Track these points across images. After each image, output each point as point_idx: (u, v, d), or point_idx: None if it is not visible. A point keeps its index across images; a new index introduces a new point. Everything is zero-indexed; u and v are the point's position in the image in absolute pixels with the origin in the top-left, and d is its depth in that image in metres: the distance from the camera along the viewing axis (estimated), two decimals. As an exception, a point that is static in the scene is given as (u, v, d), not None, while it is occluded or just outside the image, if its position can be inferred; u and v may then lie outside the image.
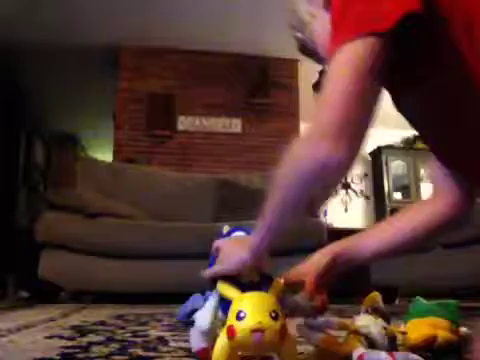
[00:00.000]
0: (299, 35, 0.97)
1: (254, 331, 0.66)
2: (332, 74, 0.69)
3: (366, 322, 0.82)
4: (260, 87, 5.13)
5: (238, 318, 0.68)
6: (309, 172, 0.69)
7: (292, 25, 0.99)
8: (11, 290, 3.93)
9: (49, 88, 5.93)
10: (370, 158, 6.81)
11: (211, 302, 0.80)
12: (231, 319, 0.69)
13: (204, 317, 0.78)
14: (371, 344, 0.78)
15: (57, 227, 2.83)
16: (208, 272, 0.86)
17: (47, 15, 4.42)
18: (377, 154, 6.53)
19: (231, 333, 0.67)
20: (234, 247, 0.87)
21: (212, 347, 0.74)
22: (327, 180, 0.70)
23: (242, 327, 0.67)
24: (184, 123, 5.03)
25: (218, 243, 0.90)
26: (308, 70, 5.10)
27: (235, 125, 5.10)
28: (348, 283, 3.39)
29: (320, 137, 0.66)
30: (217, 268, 0.86)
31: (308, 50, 0.98)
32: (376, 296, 0.91)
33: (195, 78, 5.13)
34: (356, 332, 0.80)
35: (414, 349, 0.85)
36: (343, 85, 0.65)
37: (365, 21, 0.65)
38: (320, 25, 0.91)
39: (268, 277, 0.82)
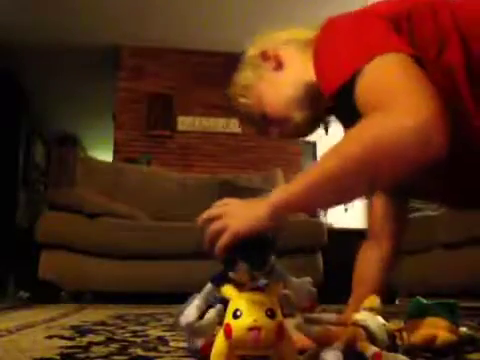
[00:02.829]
0: (243, 100, 1.00)
1: (250, 329, 0.66)
2: (386, 74, 0.68)
3: (364, 317, 0.82)
4: (260, 87, 5.13)
5: (234, 317, 0.68)
6: (414, 145, 0.61)
7: (234, 94, 1.02)
8: (11, 290, 3.94)
9: (49, 88, 5.93)
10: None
11: (196, 300, 0.80)
12: (228, 318, 0.70)
13: (189, 314, 0.79)
14: (371, 338, 0.78)
15: (57, 227, 2.84)
16: (221, 242, 0.72)
17: (47, 15, 4.42)
18: (377, 154, 6.53)
19: (228, 332, 0.68)
20: (246, 204, 0.75)
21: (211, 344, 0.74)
22: (422, 163, 0.63)
23: (238, 325, 0.67)
24: (184, 123, 5.03)
25: (224, 201, 0.78)
26: (308, 70, 5.11)
27: (235, 125, 5.10)
28: (348, 283, 3.40)
29: (425, 112, 0.61)
30: (228, 233, 0.71)
31: (251, 114, 1.00)
32: (375, 298, 0.91)
33: (195, 78, 5.13)
34: (354, 324, 0.81)
35: (413, 349, 0.85)
36: (405, 71, 0.67)
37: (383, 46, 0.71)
38: (270, 85, 0.96)
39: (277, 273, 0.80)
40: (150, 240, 2.85)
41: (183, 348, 1.00)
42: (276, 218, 0.72)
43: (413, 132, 0.61)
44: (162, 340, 1.15)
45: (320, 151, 7.06)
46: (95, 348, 0.99)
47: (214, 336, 0.74)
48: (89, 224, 2.85)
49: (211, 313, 0.76)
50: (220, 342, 0.72)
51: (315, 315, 0.85)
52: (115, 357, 0.89)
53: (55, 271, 2.78)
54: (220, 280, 0.76)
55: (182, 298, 1.33)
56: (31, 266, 2.85)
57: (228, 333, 0.68)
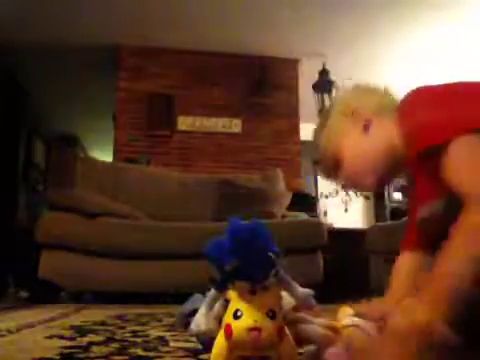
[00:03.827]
0: (324, 144, 1.11)
1: (250, 330, 0.66)
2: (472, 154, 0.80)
3: (351, 320, 0.84)
4: (260, 87, 5.13)
5: (235, 317, 0.68)
6: None
7: (319, 135, 1.13)
8: (11, 290, 3.93)
9: (49, 88, 5.93)
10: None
11: (203, 308, 0.80)
12: (228, 318, 0.70)
13: (200, 323, 0.78)
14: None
15: (57, 227, 2.83)
16: None
17: (47, 15, 4.42)
18: (377, 154, 6.55)
19: (228, 332, 0.68)
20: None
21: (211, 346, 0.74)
22: None
23: (239, 326, 0.67)
24: (184, 123, 5.02)
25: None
26: (308, 70, 5.10)
27: (235, 125, 5.10)
28: (348, 283, 3.40)
29: None
30: None
31: (326, 158, 1.11)
32: (347, 309, 0.93)
33: (195, 78, 5.13)
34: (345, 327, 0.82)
35: None
36: None
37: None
38: (354, 143, 1.07)
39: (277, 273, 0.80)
40: (150, 240, 2.85)
41: (183, 348, 1.00)
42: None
43: None
44: (162, 340, 1.15)
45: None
46: (95, 348, 0.99)
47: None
48: (89, 224, 2.85)
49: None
50: (220, 342, 0.72)
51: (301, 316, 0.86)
52: (115, 357, 0.89)
53: (55, 271, 2.78)
54: (223, 285, 0.76)
55: (182, 298, 1.34)
56: (31, 266, 2.84)
57: (228, 333, 0.68)
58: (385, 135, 1.03)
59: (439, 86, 0.95)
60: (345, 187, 1.13)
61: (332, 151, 1.09)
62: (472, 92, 0.92)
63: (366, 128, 1.06)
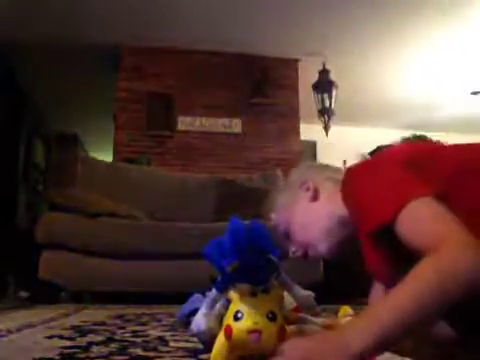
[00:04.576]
0: (274, 216, 1.16)
1: (251, 332, 0.66)
2: (425, 215, 0.77)
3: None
4: (260, 87, 5.13)
5: (235, 318, 0.68)
6: (472, 279, 0.66)
7: (269, 208, 1.19)
8: (11, 290, 3.93)
9: (49, 88, 5.93)
10: (370, 158, 6.82)
11: (203, 308, 0.80)
12: (228, 319, 0.70)
13: (200, 323, 0.79)
14: None
15: (57, 227, 2.83)
16: None
17: (47, 15, 4.42)
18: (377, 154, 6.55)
19: (228, 333, 0.68)
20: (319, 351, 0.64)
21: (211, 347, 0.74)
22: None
23: (239, 327, 0.67)
24: (184, 123, 5.03)
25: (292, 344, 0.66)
26: (308, 70, 5.10)
27: (235, 125, 5.10)
28: (348, 283, 3.40)
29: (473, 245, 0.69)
30: None
31: (277, 229, 1.15)
32: (347, 308, 0.95)
33: (195, 78, 5.13)
34: None
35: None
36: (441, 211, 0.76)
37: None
38: (303, 213, 1.09)
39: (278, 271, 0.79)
40: (150, 240, 2.85)
41: (183, 348, 1.00)
42: None
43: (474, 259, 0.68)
44: (162, 340, 1.15)
45: (320, 151, 7.05)
46: (95, 348, 0.99)
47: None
48: (89, 224, 2.85)
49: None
50: (220, 342, 0.72)
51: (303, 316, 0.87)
52: (115, 357, 0.89)
53: (55, 271, 2.78)
54: (224, 286, 0.76)
55: (182, 298, 1.34)
56: (31, 266, 2.84)
57: (228, 334, 0.68)
58: (333, 203, 1.03)
59: (375, 158, 0.96)
60: (300, 255, 1.12)
61: (281, 222, 1.13)
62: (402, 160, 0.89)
63: (315, 197, 1.09)
